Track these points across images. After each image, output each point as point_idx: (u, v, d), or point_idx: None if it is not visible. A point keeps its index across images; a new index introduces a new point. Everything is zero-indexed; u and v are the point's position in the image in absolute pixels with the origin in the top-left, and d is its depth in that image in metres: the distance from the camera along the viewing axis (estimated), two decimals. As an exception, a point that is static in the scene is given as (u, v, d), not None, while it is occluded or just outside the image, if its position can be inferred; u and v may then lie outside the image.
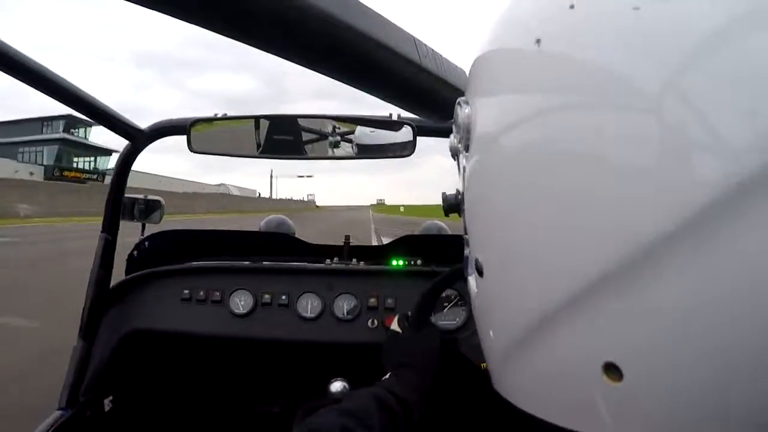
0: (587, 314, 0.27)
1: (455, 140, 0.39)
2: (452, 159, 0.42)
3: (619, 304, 0.26)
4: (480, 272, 0.36)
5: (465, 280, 0.73)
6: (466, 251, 0.40)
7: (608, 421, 0.29)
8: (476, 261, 0.36)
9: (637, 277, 0.25)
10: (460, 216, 0.42)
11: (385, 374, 0.70)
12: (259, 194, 78.01)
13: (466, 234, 0.39)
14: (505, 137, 0.32)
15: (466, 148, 0.36)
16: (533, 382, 0.33)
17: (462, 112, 0.36)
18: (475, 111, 0.35)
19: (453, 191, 0.44)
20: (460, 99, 0.38)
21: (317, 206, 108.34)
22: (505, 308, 0.34)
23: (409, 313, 0.77)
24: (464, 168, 0.37)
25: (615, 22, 0.26)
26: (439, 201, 0.46)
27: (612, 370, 0.27)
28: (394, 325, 0.77)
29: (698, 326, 0.24)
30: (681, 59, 0.24)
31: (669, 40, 0.24)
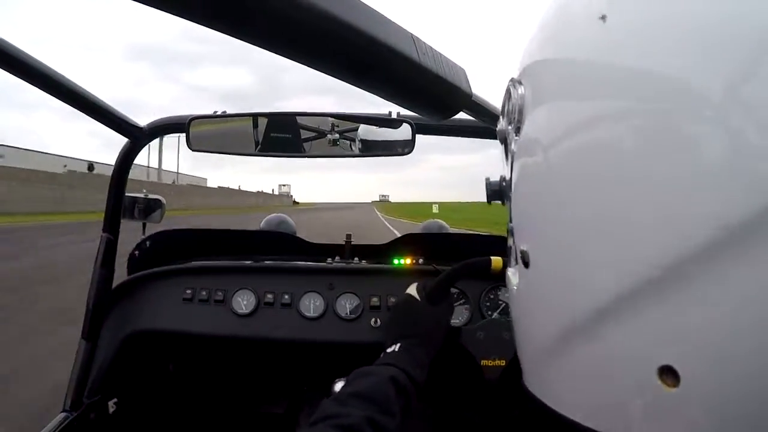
0: (645, 311, 0.26)
1: (504, 123, 0.38)
2: (500, 144, 0.40)
3: (681, 300, 0.24)
4: (526, 263, 0.34)
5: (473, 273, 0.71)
6: (510, 241, 0.38)
7: (653, 429, 0.27)
8: (522, 251, 0.34)
9: (702, 272, 0.23)
10: (503, 203, 0.40)
11: (387, 336, 0.71)
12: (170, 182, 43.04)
13: (510, 222, 0.37)
14: (564, 120, 0.30)
15: (517, 131, 0.35)
16: (574, 383, 0.31)
17: (515, 92, 0.35)
18: (530, 91, 0.33)
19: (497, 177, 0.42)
20: (513, 78, 0.36)
21: (295, 202, 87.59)
22: (551, 302, 0.32)
23: (427, 285, 0.76)
24: (513, 153, 0.35)
25: (684, 5, 0.25)
26: (477, 198, 0.45)
27: (668, 373, 0.25)
28: (412, 290, 0.76)
29: None
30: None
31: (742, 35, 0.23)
